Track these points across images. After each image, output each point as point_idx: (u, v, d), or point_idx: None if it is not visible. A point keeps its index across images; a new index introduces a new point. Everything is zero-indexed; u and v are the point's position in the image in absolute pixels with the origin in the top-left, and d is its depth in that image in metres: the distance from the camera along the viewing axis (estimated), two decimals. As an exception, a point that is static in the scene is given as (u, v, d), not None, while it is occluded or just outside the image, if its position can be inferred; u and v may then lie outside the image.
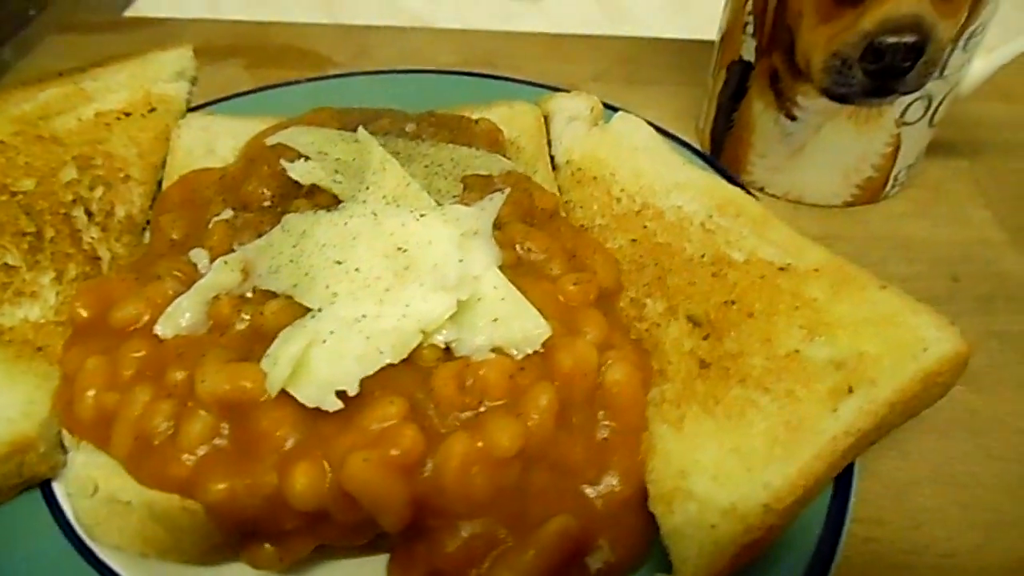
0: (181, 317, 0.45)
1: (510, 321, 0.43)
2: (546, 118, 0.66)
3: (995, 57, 0.66)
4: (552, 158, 0.64)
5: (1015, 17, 0.81)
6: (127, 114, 0.65)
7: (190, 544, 0.41)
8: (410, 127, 0.58)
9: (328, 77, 0.76)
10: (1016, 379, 0.57)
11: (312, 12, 1.05)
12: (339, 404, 0.38)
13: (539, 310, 0.44)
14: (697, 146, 0.73)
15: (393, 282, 0.43)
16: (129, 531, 0.40)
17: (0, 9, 1.00)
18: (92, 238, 0.56)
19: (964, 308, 0.63)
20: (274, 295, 0.45)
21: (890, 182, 0.70)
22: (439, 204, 0.49)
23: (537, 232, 0.50)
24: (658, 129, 0.68)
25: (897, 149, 0.67)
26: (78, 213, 0.57)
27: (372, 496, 0.37)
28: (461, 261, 0.43)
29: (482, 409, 0.41)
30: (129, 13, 1.04)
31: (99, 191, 0.59)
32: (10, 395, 0.44)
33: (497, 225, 0.49)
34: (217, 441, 0.40)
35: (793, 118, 0.66)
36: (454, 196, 0.51)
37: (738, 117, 0.70)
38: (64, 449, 0.44)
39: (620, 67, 0.90)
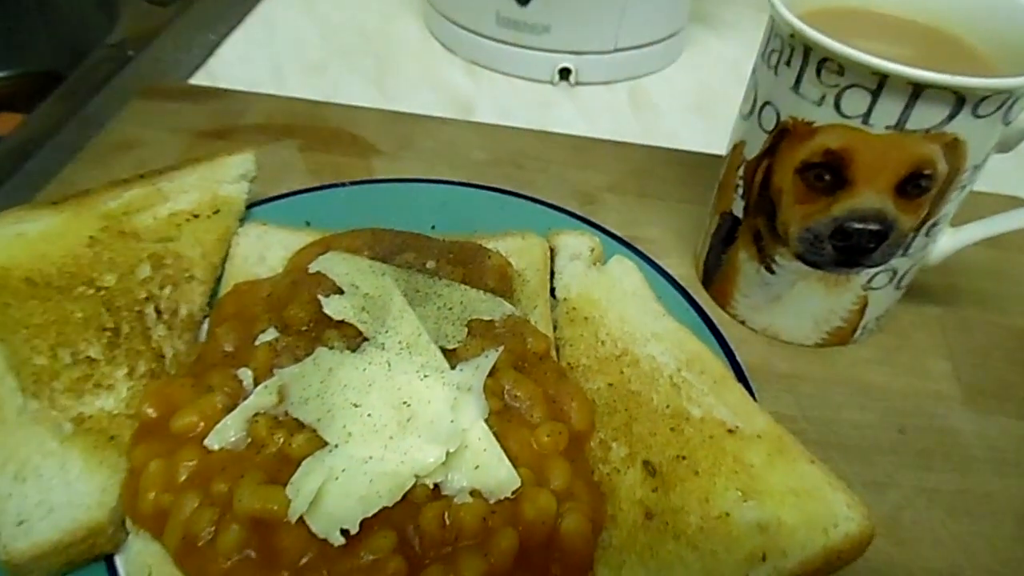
0: (227, 433, 0.55)
1: (488, 470, 0.53)
2: (552, 250, 0.76)
3: (961, 236, 0.73)
4: (553, 290, 0.74)
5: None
6: (196, 216, 0.76)
7: (220, 625, 0.51)
8: (431, 264, 0.68)
9: (367, 182, 0.87)
10: (935, 536, 0.65)
11: (366, 87, 1.16)
12: (342, 540, 0.48)
13: (515, 456, 0.54)
14: (692, 271, 0.82)
15: (396, 431, 0.53)
16: (174, 609, 0.51)
17: (87, 68, 1.12)
18: (160, 336, 0.67)
19: (904, 462, 0.70)
20: (302, 424, 0.55)
21: (859, 330, 0.78)
22: (444, 349, 0.59)
23: (524, 380, 0.60)
24: (656, 266, 0.77)
25: (864, 307, 0.75)
26: (149, 311, 0.68)
27: (361, 614, 0.48)
28: (452, 422, 0.53)
29: (458, 544, 0.51)
30: (199, 77, 1.15)
31: (167, 290, 0.70)
32: (89, 484, 0.55)
33: (491, 372, 0.59)
34: (247, 551, 0.50)
35: (772, 272, 0.74)
36: (458, 341, 0.61)
37: (727, 259, 0.79)
38: (126, 530, 0.55)
39: (634, 179, 0.99)
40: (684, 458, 0.59)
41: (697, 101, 1.20)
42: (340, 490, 0.50)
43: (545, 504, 0.53)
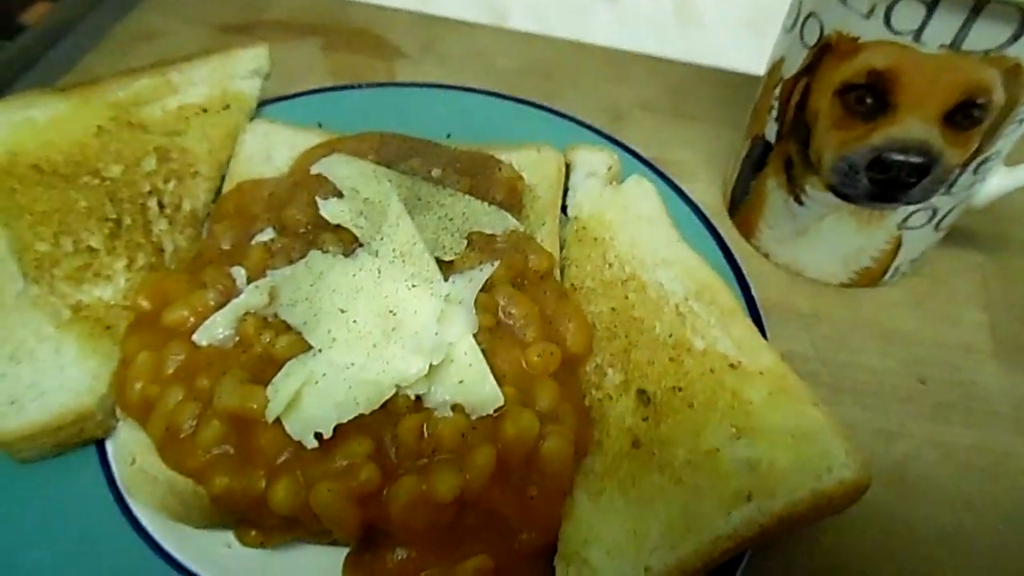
0: (215, 330, 0.55)
1: (472, 386, 0.52)
2: (568, 166, 0.72)
3: (1016, 177, 0.67)
4: (565, 207, 0.70)
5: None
6: (204, 110, 0.74)
7: (198, 516, 0.52)
8: (436, 172, 0.65)
9: (385, 85, 0.83)
10: (942, 492, 0.62)
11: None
12: (315, 444, 0.47)
13: (502, 375, 0.53)
14: (719, 198, 0.78)
15: (381, 339, 0.52)
16: (155, 497, 0.52)
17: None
18: (161, 230, 0.66)
19: (920, 412, 0.67)
20: (289, 327, 0.54)
21: (889, 272, 0.73)
22: (440, 260, 0.57)
23: (520, 297, 0.58)
24: (676, 188, 0.73)
25: (898, 247, 0.70)
26: (152, 204, 0.67)
27: (330, 517, 0.48)
28: (437, 334, 0.51)
29: (435, 458, 0.50)
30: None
31: (172, 184, 0.69)
32: (81, 370, 0.56)
33: (487, 287, 0.57)
34: (225, 446, 0.50)
35: (801, 203, 0.70)
36: (456, 253, 0.59)
37: (755, 187, 0.74)
38: (116, 417, 0.56)
39: (669, 97, 0.93)
40: (680, 390, 0.57)
41: (749, 16, 1.11)
42: (318, 394, 0.49)
43: (527, 424, 0.51)
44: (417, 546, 0.49)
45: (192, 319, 0.56)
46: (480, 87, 0.83)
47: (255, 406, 0.50)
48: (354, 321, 0.52)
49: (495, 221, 0.62)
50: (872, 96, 0.58)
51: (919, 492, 0.62)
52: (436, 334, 0.51)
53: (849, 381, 0.68)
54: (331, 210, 0.60)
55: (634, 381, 0.58)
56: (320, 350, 0.52)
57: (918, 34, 0.54)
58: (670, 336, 0.60)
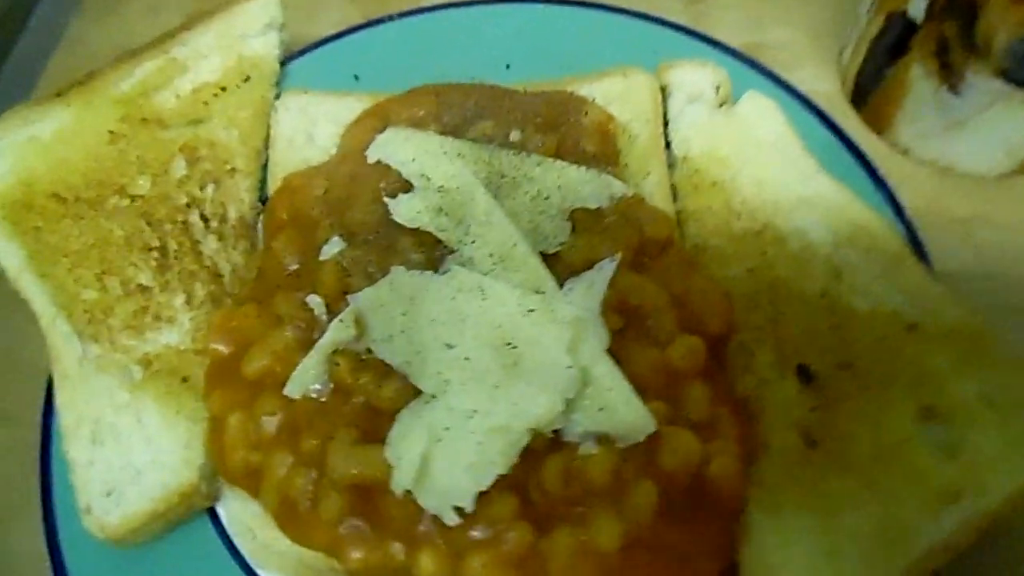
0: (307, 379, 0.48)
1: (616, 412, 0.44)
2: (664, 90, 0.60)
3: None
4: (668, 143, 0.59)
5: None
6: (223, 88, 0.63)
7: (336, 584, 0.48)
8: (515, 135, 0.54)
9: (422, 11, 0.69)
10: None
11: None
12: (458, 520, 0.41)
13: (643, 387, 0.45)
14: (835, 85, 0.65)
15: (502, 378, 0.44)
16: (287, 569, 0.48)
17: None
18: (212, 249, 0.58)
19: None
20: (386, 364, 0.47)
21: (1063, 156, 0.61)
22: (545, 254, 0.48)
23: (646, 284, 0.49)
24: (796, 94, 0.60)
25: (1081, 131, 0.57)
26: (194, 219, 0.58)
27: (487, 587, 0.43)
28: (570, 367, 0.43)
29: (587, 504, 0.44)
30: None
31: (209, 190, 0.60)
32: (171, 438, 0.50)
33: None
34: (352, 520, 0.45)
35: (957, 92, 0.57)
36: (560, 242, 0.49)
37: (892, 74, 0.61)
38: (220, 482, 0.51)
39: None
40: (850, 365, 0.48)
41: None
42: (446, 455, 0.43)
43: (686, 448, 0.44)
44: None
45: (277, 367, 0.49)
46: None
47: (377, 473, 0.44)
48: (466, 359, 0.45)
49: (598, 189, 0.52)
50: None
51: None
52: (569, 367, 0.43)
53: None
54: (405, 212, 0.50)
55: (790, 358, 0.50)
56: (434, 396, 0.44)
57: None
58: (823, 297, 0.51)
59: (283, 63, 0.66)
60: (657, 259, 0.51)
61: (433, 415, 0.44)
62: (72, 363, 0.53)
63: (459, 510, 0.42)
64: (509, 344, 0.44)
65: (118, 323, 0.54)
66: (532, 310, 0.44)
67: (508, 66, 0.64)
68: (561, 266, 0.49)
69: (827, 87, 0.68)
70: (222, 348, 0.52)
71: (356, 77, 0.66)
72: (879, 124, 0.64)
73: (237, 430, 0.48)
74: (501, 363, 0.44)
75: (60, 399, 0.51)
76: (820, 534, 0.44)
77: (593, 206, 0.51)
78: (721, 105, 0.58)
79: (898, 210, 0.56)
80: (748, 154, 0.55)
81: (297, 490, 0.46)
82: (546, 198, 0.51)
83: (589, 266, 0.48)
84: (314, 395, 0.48)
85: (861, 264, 0.51)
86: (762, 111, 0.56)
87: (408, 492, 0.43)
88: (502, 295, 0.45)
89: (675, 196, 0.57)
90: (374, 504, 0.45)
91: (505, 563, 0.42)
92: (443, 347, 0.45)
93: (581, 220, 0.51)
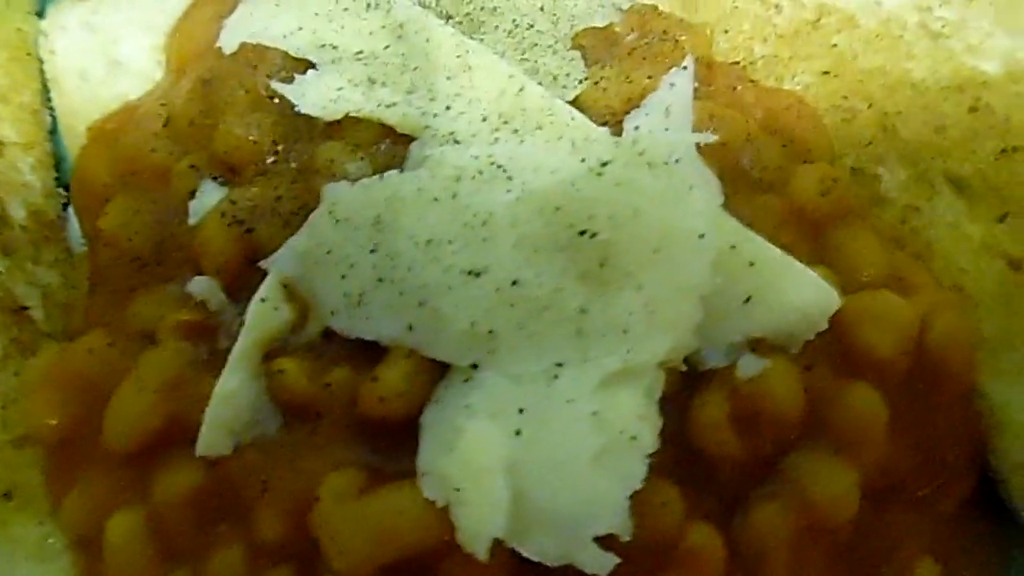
0: (233, 419, 0.26)
1: (770, 296, 0.27)
2: None
3: None
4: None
5: None
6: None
7: None
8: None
9: None
10: None
11: None
12: (614, 560, 0.22)
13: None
14: None
15: (586, 297, 0.25)
16: None
17: None
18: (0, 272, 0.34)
19: None
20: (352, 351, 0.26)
21: None
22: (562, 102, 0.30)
23: (725, 112, 0.32)
24: None
25: None
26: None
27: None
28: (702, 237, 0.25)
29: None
30: None
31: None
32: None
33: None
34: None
35: None
36: (577, 80, 0.31)
37: None
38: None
39: None
40: (1015, 150, 0.34)
41: None
42: (541, 459, 0.25)
43: (895, 316, 0.29)
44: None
45: (170, 412, 0.28)
46: None
47: (419, 536, 0.25)
48: (514, 283, 0.26)
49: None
50: None
51: None
52: (701, 236, 0.25)
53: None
54: (315, 99, 0.30)
55: (933, 167, 0.35)
56: (475, 366, 0.25)
57: None
58: (936, 76, 0.36)
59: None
60: (709, 84, 0.34)
61: (490, 399, 0.24)
62: None
63: (606, 540, 0.22)
64: (585, 233, 0.25)
65: None
66: (605, 163, 0.25)
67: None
68: (582, 108, 0.31)
69: None
70: (56, 419, 0.29)
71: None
72: None
73: (130, 545, 0.26)
74: (575, 272, 0.25)
75: None
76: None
77: (601, 23, 0.33)
78: None
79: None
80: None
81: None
82: (530, 27, 0.33)
83: (626, 105, 0.31)
84: (258, 437, 0.27)
85: (967, 20, 0.37)
86: None
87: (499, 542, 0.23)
88: (539, 159, 0.26)
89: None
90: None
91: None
92: (464, 279, 0.26)
93: (590, 45, 0.33)
